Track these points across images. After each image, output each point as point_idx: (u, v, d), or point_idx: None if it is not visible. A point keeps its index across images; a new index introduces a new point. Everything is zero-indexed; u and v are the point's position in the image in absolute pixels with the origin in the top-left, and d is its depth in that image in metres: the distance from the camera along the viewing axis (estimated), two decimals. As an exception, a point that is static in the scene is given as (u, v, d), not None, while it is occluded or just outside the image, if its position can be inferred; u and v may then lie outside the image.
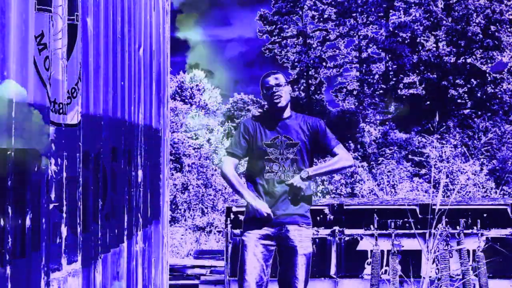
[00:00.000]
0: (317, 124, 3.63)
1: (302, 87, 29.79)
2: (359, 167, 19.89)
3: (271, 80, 3.58)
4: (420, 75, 26.70)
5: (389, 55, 27.48)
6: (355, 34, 28.73)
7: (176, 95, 31.91)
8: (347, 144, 22.43)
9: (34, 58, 2.27)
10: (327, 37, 29.75)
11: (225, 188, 16.63)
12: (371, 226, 5.62)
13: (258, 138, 3.58)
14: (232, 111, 30.81)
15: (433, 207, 5.04)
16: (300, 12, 30.19)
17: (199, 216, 16.07)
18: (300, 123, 3.61)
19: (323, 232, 5.63)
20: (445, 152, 18.74)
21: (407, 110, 26.07)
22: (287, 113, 3.62)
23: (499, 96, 25.81)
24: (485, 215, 5.69)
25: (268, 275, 3.52)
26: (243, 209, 3.81)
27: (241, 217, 4.99)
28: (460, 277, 5.44)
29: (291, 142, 3.56)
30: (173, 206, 16.16)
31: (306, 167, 3.57)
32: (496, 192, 16.27)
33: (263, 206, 3.48)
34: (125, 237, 3.56)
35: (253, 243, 3.49)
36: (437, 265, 5.42)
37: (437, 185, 16.43)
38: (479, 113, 24.81)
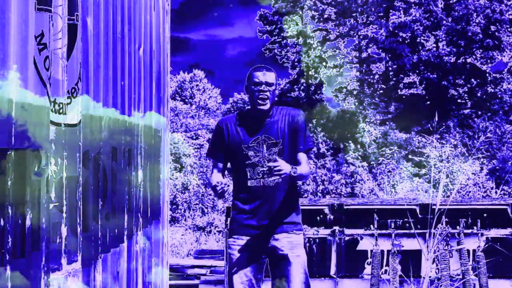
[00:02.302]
0: (297, 119, 3.26)
1: (302, 87, 29.78)
2: (359, 167, 19.89)
3: (261, 76, 3.20)
4: (420, 75, 26.68)
5: (389, 55, 27.47)
6: (355, 34, 28.72)
7: (176, 95, 31.92)
8: (347, 144, 22.43)
9: (34, 58, 2.27)
10: (327, 37, 29.73)
11: (225, 188, 16.58)
12: (371, 226, 5.62)
13: (236, 140, 3.23)
14: (232, 111, 30.80)
15: (433, 207, 5.04)
16: (300, 12, 30.17)
17: (199, 216, 16.07)
18: (281, 118, 3.25)
19: (323, 232, 5.63)
20: (445, 152, 18.73)
21: (407, 110, 26.06)
22: (268, 110, 3.25)
23: (499, 96, 25.80)
24: (485, 215, 5.69)
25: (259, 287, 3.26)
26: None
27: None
28: (460, 277, 5.44)
29: (272, 141, 3.21)
30: (173, 206, 16.16)
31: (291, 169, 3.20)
32: (496, 192, 16.26)
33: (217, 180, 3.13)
34: (125, 237, 3.56)
35: (240, 256, 3.21)
36: (437, 265, 5.41)
37: (437, 185, 16.42)
38: (479, 113, 24.81)
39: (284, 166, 3.04)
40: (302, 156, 3.28)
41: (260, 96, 3.19)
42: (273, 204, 3.22)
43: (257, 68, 3.29)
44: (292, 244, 3.23)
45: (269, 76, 3.21)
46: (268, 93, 3.19)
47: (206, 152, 3.39)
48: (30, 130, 2.20)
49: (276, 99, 3.35)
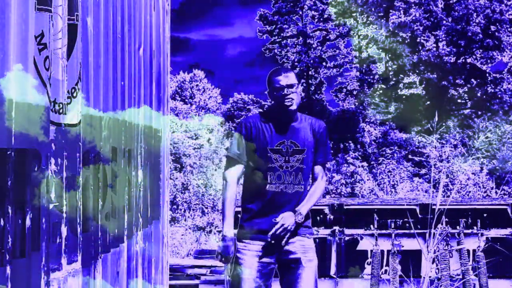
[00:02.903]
0: (321, 130, 3.25)
1: (302, 87, 29.80)
2: (359, 167, 19.90)
3: (282, 80, 3.13)
4: (420, 75, 26.69)
5: (389, 55, 27.47)
6: (355, 34, 28.74)
7: (176, 95, 31.92)
8: (347, 144, 22.43)
9: (34, 58, 2.26)
10: (327, 37, 29.74)
11: (225, 188, 16.60)
12: (371, 226, 5.62)
13: (261, 141, 3.14)
14: (232, 111, 30.79)
15: (433, 207, 5.04)
16: (300, 12, 30.18)
17: (199, 216, 16.08)
18: (307, 126, 3.22)
19: (323, 232, 5.63)
20: (445, 152, 18.74)
21: (407, 110, 26.07)
22: (294, 113, 3.20)
23: (499, 96, 25.80)
24: (485, 215, 5.69)
25: None
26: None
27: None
28: (460, 277, 5.44)
29: (297, 148, 3.15)
30: (173, 206, 16.17)
31: (308, 179, 3.20)
32: (496, 192, 16.26)
33: (225, 249, 3.10)
34: (125, 237, 3.56)
35: (250, 261, 3.12)
36: (437, 265, 5.42)
37: (437, 185, 16.42)
38: (479, 113, 24.82)
39: (286, 220, 3.04)
40: (319, 170, 3.27)
41: (286, 101, 3.13)
42: (290, 210, 3.14)
43: (276, 72, 3.22)
44: (304, 248, 3.19)
45: (289, 78, 3.16)
46: (292, 95, 3.13)
47: (231, 151, 3.22)
48: (30, 130, 2.21)
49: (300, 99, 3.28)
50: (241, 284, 3.11)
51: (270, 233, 3.05)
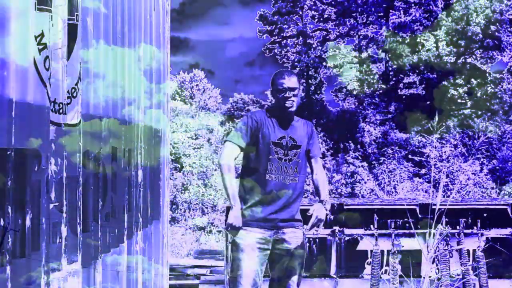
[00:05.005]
0: (312, 128, 3.63)
1: (302, 87, 29.77)
2: (359, 167, 19.88)
3: (286, 82, 3.44)
4: (420, 75, 26.67)
5: (389, 55, 27.45)
6: (355, 34, 28.72)
7: (176, 95, 31.90)
8: (347, 144, 22.42)
9: (34, 58, 2.26)
10: (327, 37, 29.72)
11: (225, 188, 16.58)
12: (371, 226, 5.61)
13: (265, 134, 3.43)
14: (232, 111, 30.77)
15: (433, 207, 5.04)
16: (300, 12, 30.17)
17: (199, 216, 16.07)
18: (300, 125, 3.57)
19: (323, 232, 5.63)
20: (445, 152, 18.73)
21: (407, 110, 26.04)
22: (293, 113, 3.55)
23: (499, 96, 25.78)
24: (485, 215, 5.69)
25: (262, 279, 3.40)
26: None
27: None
28: (460, 277, 5.44)
29: (295, 143, 3.48)
30: (173, 206, 16.16)
31: (303, 173, 3.50)
32: (496, 192, 16.26)
33: (236, 220, 3.33)
34: (125, 237, 3.56)
35: (250, 247, 3.34)
36: (437, 265, 5.41)
37: (437, 185, 16.42)
38: (479, 113, 24.82)
39: (319, 212, 3.40)
40: (319, 162, 3.59)
41: (287, 102, 3.44)
42: (288, 200, 3.40)
43: (280, 74, 3.52)
44: (297, 238, 3.45)
45: (291, 81, 3.46)
46: (293, 97, 3.45)
47: (232, 138, 3.45)
48: (30, 130, 2.20)
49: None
50: (240, 268, 3.32)
51: (308, 226, 3.39)
